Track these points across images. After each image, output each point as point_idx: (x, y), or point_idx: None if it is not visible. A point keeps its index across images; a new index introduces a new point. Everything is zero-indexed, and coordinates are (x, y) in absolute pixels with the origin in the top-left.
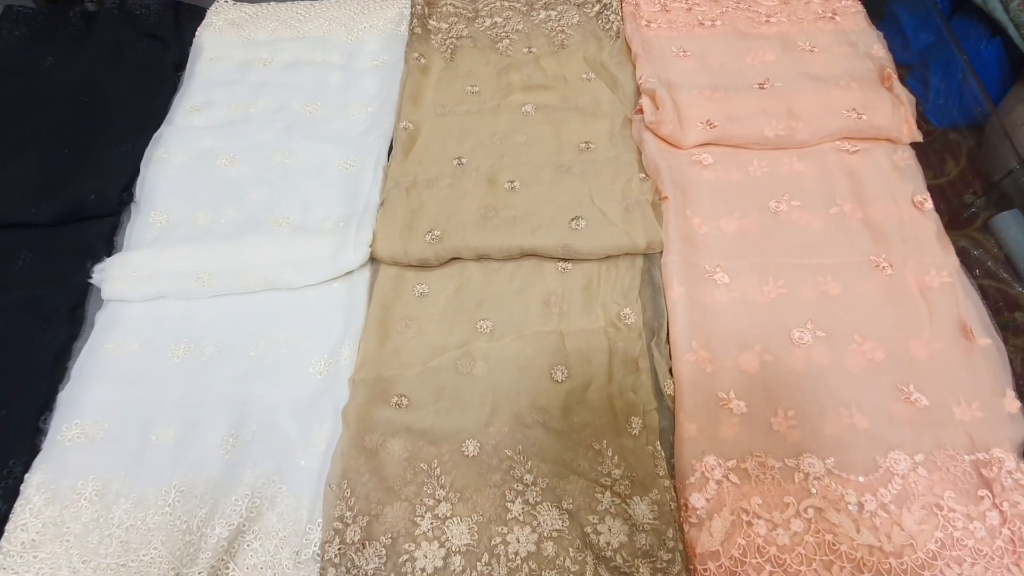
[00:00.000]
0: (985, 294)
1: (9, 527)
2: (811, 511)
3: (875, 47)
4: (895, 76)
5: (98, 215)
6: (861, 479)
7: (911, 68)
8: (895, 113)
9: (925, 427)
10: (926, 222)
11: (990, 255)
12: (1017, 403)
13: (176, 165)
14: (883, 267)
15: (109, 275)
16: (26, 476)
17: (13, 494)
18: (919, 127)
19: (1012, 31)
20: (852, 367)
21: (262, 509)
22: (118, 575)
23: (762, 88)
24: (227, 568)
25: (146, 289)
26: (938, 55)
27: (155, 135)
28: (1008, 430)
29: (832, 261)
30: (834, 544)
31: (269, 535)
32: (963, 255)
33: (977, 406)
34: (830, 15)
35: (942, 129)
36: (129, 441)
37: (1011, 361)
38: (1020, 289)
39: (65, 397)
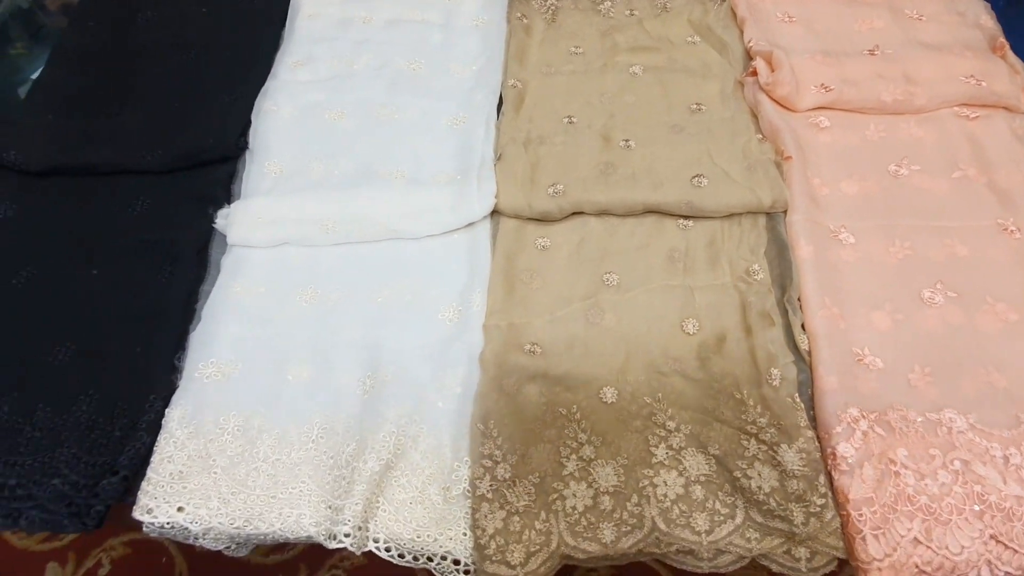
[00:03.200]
0: None
1: (155, 459)
2: (957, 463)
3: (983, 17)
4: (1008, 45)
5: (215, 160)
6: (1005, 434)
7: None
8: (1012, 80)
9: None
10: None
11: None
12: None
13: (285, 117)
14: (1011, 231)
15: (234, 220)
16: (167, 411)
17: (155, 428)
18: None
19: None
20: (986, 328)
21: (406, 447)
22: (268, 506)
23: (872, 54)
24: (377, 502)
25: (271, 235)
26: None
27: (262, 88)
28: None
29: (958, 224)
30: (983, 495)
31: (415, 472)
32: None
33: None
34: None
35: None
36: (266, 379)
37: None
38: None
39: (198, 337)
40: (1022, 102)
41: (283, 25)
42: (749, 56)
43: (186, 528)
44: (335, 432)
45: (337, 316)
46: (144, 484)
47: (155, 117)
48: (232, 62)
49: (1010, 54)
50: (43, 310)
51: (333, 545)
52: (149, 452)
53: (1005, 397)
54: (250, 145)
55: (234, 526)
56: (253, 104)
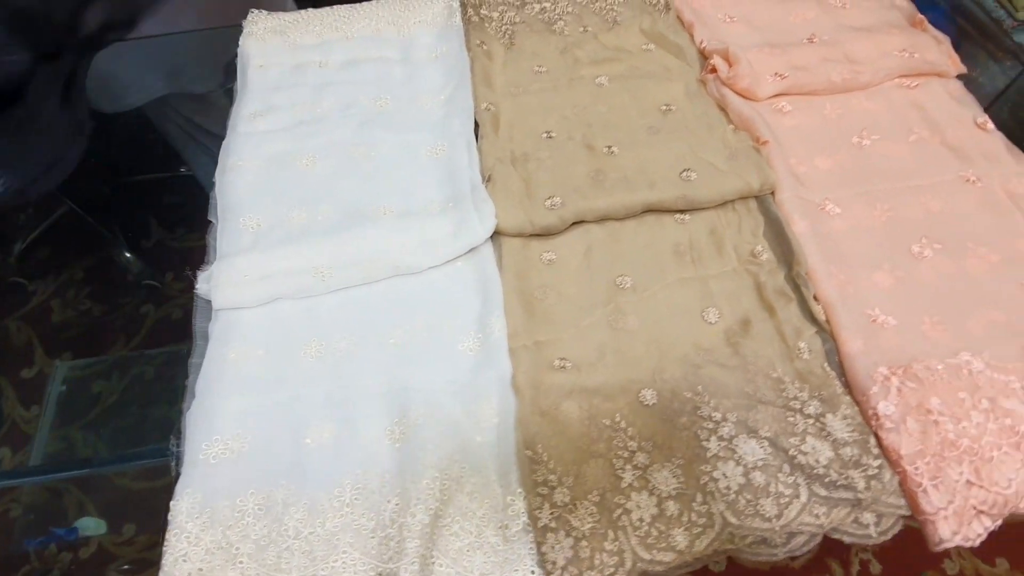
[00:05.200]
0: None
1: (167, 560)
2: (985, 402)
3: None
4: (926, 20)
5: None
6: (1019, 365)
7: None
8: (939, 49)
9: None
10: (994, 139)
11: None
12: None
13: (253, 171)
14: (973, 181)
15: (218, 282)
16: (172, 504)
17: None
18: None
19: None
20: (975, 271)
21: (452, 491)
22: None
23: (811, 42)
24: (432, 556)
25: (262, 292)
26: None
27: (223, 145)
28: None
29: (927, 182)
30: (1014, 426)
31: (466, 515)
32: None
33: None
34: None
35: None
36: (282, 448)
37: None
38: None
39: (194, 415)
40: (950, 68)
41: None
42: (703, 56)
43: None
44: (371, 491)
45: (350, 367)
46: None
47: None
48: None
49: (930, 27)
50: None
51: None
52: None
53: (1008, 331)
54: (220, 204)
55: None
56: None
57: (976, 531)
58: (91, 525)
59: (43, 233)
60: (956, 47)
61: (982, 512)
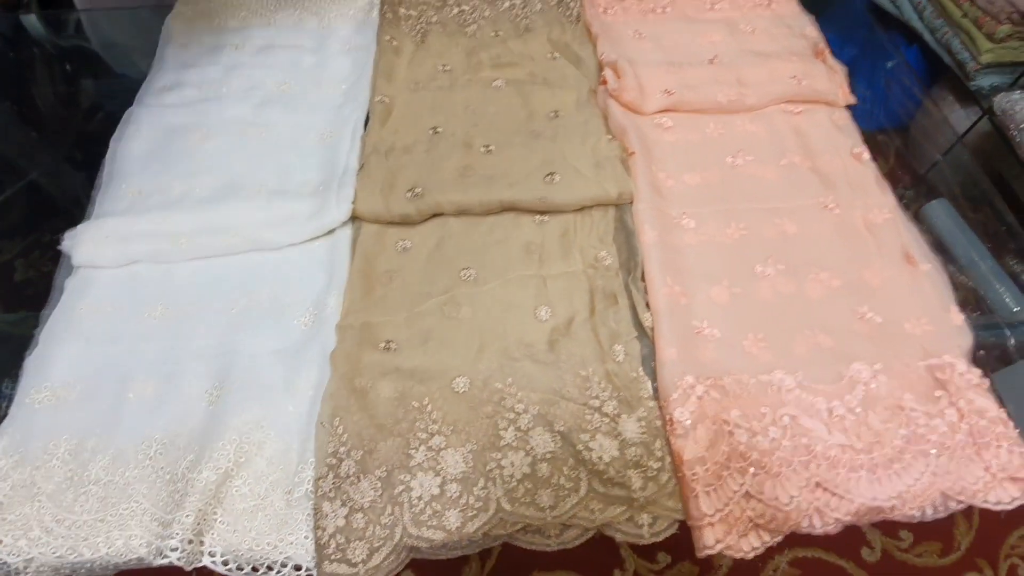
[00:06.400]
0: None
1: None
2: (786, 418)
3: (808, 28)
4: (828, 50)
5: None
6: (828, 388)
7: None
8: (831, 79)
9: (882, 341)
10: (865, 170)
11: (925, 241)
12: (961, 316)
13: (147, 139)
14: (832, 208)
15: (80, 240)
16: None
17: None
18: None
19: (928, 37)
20: (813, 294)
21: (250, 455)
22: (95, 530)
23: (712, 63)
24: (214, 513)
25: (120, 253)
26: (863, 65)
27: (125, 114)
28: (956, 339)
29: (787, 205)
30: (809, 446)
31: (259, 479)
32: None
33: (926, 320)
34: (766, 3)
35: (871, 132)
36: (104, 400)
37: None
38: (951, 270)
39: (32, 362)
40: (839, 97)
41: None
42: (600, 68)
43: (4, 562)
44: (176, 447)
45: (189, 327)
46: None
47: None
48: None
49: (829, 57)
50: None
51: (160, 562)
52: None
53: (830, 355)
54: (108, 169)
55: (56, 555)
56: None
57: (751, 544)
58: None
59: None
60: (928, 87)
61: (759, 525)
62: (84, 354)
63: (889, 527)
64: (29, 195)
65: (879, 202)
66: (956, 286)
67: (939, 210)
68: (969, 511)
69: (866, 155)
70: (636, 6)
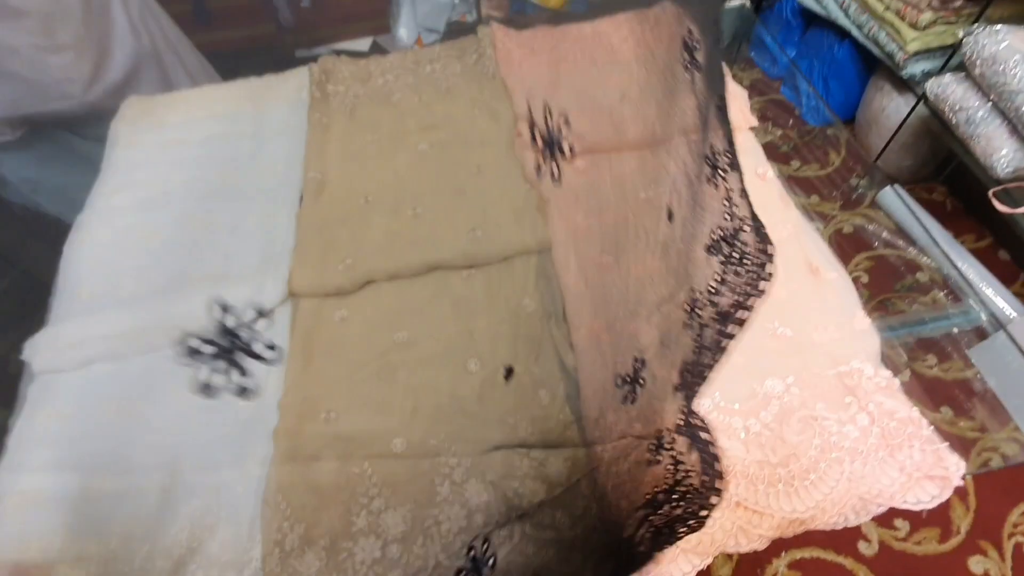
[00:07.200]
0: (888, 262)
1: None
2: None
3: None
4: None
5: None
6: (744, 406)
7: (783, 80)
8: (732, 105)
9: (791, 353)
10: (769, 189)
11: (884, 227)
12: (866, 320)
13: (99, 244)
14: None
15: (39, 349)
16: None
17: None
18: (798, 128)
19: (856, 32)
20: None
21: (203, 539)
22: None
23: (621, 102)
24: None
25: (76, 356)
26: (803, 65)
27: (76, 220)
28: (862, 344)
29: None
30: (729, 466)
31: (212, 563)
32: (860, 231)
33: (832, 328)
34: (666, 40)
35: (819, 127)
36: (72, 501)
37: (918, 315)
38: (913, 252)
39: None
40: (741, 122)
41: None
42: (516, 120)
43: None
44: (136, 539)
45: (142, 424)
46: None
47: None
48: None
49: (731, 83)
50: None
51: None
52: None
53: (743, 373)
54: (61, 275)
55: None
56: None
57: (681, 569)
58: None
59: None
60: (866, 79)
61: (686, 550)
62: (48, 457)
63: (883, 517)
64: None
65: (782, 218)
66: (920, 268)
67: (893, 196)
68: (963, 491)
69: (770, 174)
70: (547, 56)
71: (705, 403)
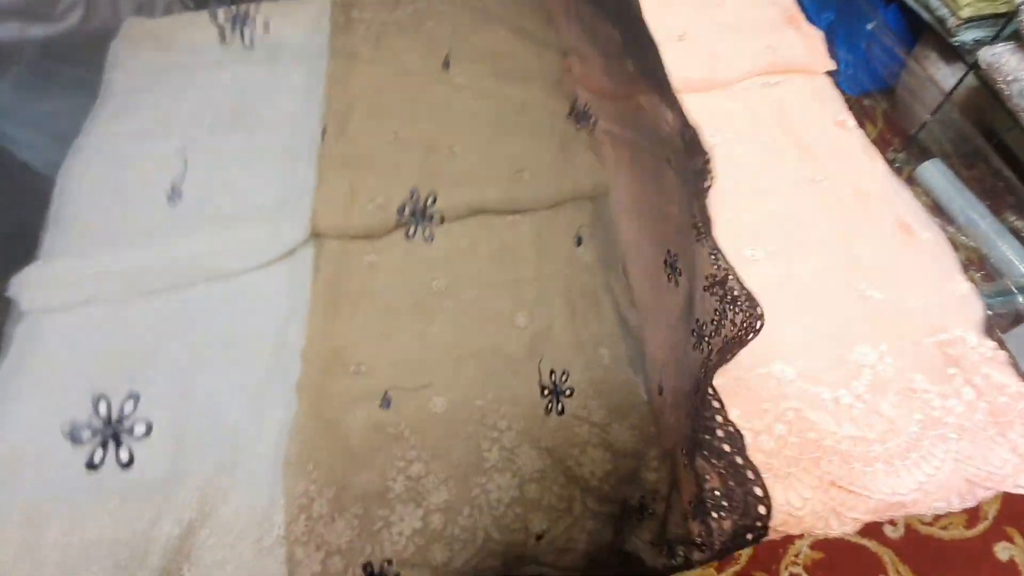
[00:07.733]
0: None
1: None
2: (790, 413)
3: None
4: (801, 16)
5: None
6: (832, 376)
7: None
8: (806, 46)
9: (883, 319)
10: (850, 138)
11: (921, 204)
12: (967, 284)
13: (96, 171)
14: (818, 181)
15: (28, 285)
16: None
17: None
18: None
19: None
20: (804, 275)
21: (215, 503)
22: None
23: (681, 40)
24: (180, 570)
25: (69, 295)
26: (841, 30)
27: (73, 145)
28: (964, 310)
29: (769, 183)
30: (818, 440)
31: (225, 529)
32: None
33: (928, 293)
34: None
35: (856, 97)
36: (59, 458)
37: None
38: (952, 230)
39: None
40: (817, 64)
41: None
42: (565, 53)
43: None
44: (137, 499)
45: (141, 374)
46: None
47: None
48: None
49: (804, 24)
50: None
51: None
52: None
53: (829, 339)
54: (56, 204)
55: None
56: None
57: None
58: None
59: None
60: (911, 47)
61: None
62: (36, 410)
63: None
64: None
65: (868, 171)
66: (957, 247)
67: (933, 171)
68: None
69: (851, 122)
70: None
71: (788, 372)
